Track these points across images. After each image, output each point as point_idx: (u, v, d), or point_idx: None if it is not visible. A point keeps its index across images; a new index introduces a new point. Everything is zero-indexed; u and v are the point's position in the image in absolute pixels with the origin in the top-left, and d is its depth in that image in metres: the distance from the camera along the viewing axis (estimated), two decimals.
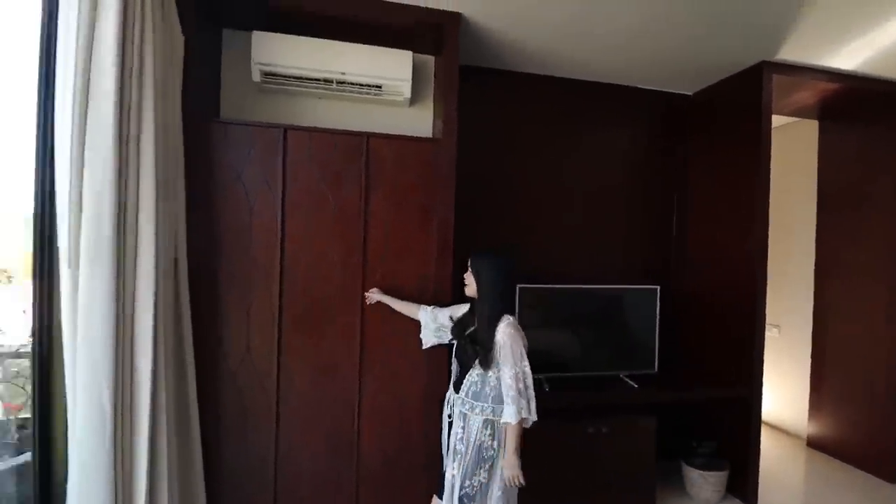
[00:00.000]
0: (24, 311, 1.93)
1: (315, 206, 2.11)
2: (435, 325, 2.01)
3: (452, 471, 1.74)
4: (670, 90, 3.04)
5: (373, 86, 2.33)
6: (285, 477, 2.09)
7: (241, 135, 2.04)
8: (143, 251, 1.62)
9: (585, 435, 2.29)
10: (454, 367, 1.88)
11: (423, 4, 2.13)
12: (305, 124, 2.32)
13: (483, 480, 1.69)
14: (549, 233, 2.85)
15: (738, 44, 2.41)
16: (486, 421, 1.71)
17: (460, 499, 1.69)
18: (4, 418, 1.98)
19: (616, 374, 2.63)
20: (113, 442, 1.53)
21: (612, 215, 2.96)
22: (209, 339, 2.02)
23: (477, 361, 1.74)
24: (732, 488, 2.63)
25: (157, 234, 1.64)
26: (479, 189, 2.65)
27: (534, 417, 1.68)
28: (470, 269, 1.84)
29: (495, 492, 1.71)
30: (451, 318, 1.97)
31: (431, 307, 2.04)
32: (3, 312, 2.05)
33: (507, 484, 1.69)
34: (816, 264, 3.30)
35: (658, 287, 2.63)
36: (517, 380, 1.65)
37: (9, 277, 2.16)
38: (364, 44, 2.28)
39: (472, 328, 1.82)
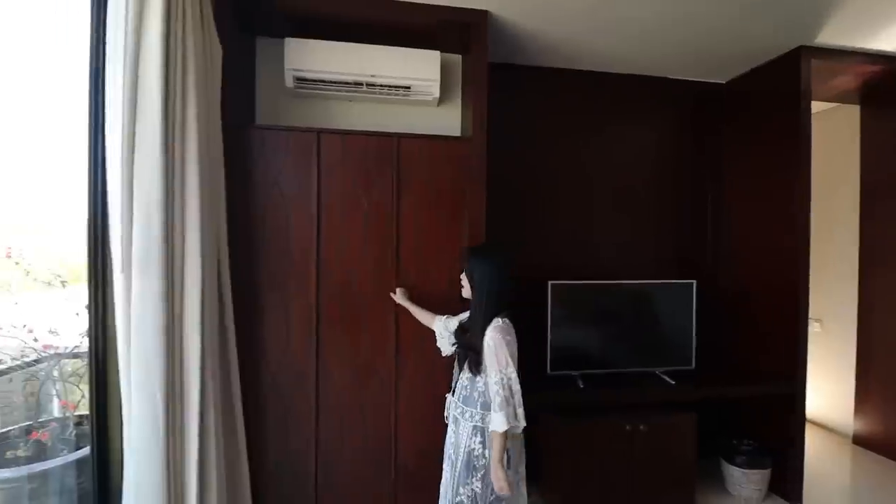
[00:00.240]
0: (77, 314, 2.04)
1: (349, 207, 2.15)
2: (448, 333, 1.95)
3: (445, 475, 1.72)
4: (701, 79, 2.97)
5: (402, 87, 2.35)
6: (325, 474, 2.14)
7: (276, 139, 2.09)
8: (190, 256, 1.69)
9: (623, 432, 2.26)
10: (455, 370, 1.85)
11: (450, 4, 2.14)
12: (337, 127, 2.37)
13: (477, 490, 1.63)
14: (578, 229, 2.82)
15: (775, 29, 2.34)
16: (475, 427, 1.67)
17: None
18: (62, 415, 2.09)
19: (652, 370, 2.59)
20: (166, 439, 1.59)
21: (644, 210, 2.92)
22: (251, 339, 2.08)
23: (466, 365, 1.71)
24: (775, 487, 2.56)
25: (201, 239, 1.70)
26: (508, 186, 2.65)
27: (522, 424, 1.60)
28: (464, 269, 1.78)
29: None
30: (460, 323, 1.91)
31: (445, 316, 1.99)
32: (58, 315, 2.16)
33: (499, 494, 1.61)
34: (861, 255, 3.18)
35: (694, 282, 2.58)
36: (502, 386, 1.57)
37: (62, 282, 2.27)
38: (392, 46, 2.31)
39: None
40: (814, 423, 3.52)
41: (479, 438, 1.65)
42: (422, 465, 2.19)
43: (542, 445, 2.50)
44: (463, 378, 1.73)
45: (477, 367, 1.65)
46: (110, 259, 1.60)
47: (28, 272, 2.19)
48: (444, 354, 2.05)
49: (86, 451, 1.84)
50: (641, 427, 2.27)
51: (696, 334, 2.58)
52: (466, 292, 1.78)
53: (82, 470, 1.84)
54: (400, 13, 2.15)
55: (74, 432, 2.02)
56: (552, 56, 2.63)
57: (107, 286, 1.68)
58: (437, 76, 2.33)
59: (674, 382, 2.46)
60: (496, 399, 1.57)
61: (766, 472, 2.50)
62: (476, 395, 1.69)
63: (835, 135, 3.36)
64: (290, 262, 2.11)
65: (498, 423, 1.55)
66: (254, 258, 2.09)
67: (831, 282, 3.35)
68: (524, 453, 1.78)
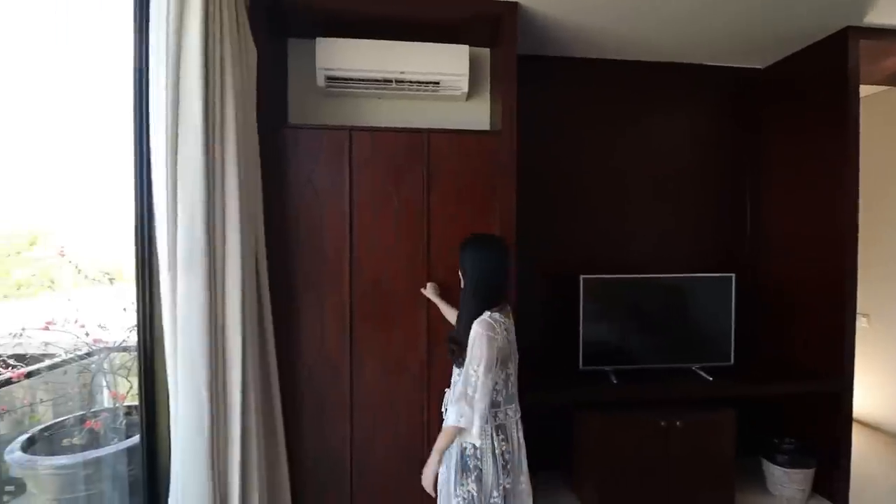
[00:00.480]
0: (124, 310, 2.14)
1: (380, 204, 2.17)
2: None
3: (442, 474, 1.63)
4: (739, 65, 2.86)
5: (431, 82, 2.35)
6: (360, 468, 2.18)
7: (309, 138, 2.13)
8: (231, 256, 1.74)
9: (658, 428, 2.22)
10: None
11: None
12: (368, 124, 2.39)
13: (473, 492, 1.53)
14: (612, 222, 2.77)
15: (819, 9, 2.22)
16: None
17: None
18: (113, 406, 2.20)
19: (688, 366, 2.53)
20: (210, 434, 1.66)
21: (679, 201, 2.84)
22: (288, 336, 2.13)
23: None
24: (819, 487, 2.48)
25: (241, 239, 1.76)
26: (539, 179, 2.62)
27: (471, 435, 1.48)
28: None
29: None
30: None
31: None
32: (106, 311, 2.27)
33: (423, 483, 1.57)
34: None
35: (733, 275, 2.50)
36: (467, 384, 1.49)
37: (110, 279, 2.38)
38: (421, 41, 2.31)
39: None
40: (859, 421, 3.37)
41: (502, 436, 1.59)
42: None
43: (574, 441, 2.48)
44: (455, 374, 1.67)
45: (461, 361, 1.57)
46: (156, 258, 1.67)
47: (79, 270, 2.30)
48: None
49: (135, 439, 1.94)
50: (677, 423, 2.22)
51: (735, 329, 2.50)
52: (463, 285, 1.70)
53: (132, 457, 1.94)
54: (429, 8, 2.15)
55: (124, 422, 2.12)
56: (583, 46, 2.58)
57: (153, 284, 1.75)
58: (466, 70, 2.32)
59: (711, 378, 2.40)
60: (456, 391, 1.52)
61: (810, 472, 2.42)
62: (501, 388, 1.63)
63: (883, 119, 3.19)
64: (324, 260, 2.15)
65: (451, 417, 1.50)
66: (289, 257, 2.13)
67: (880, 275, 3.20)
68: (521, 465, 1.64)
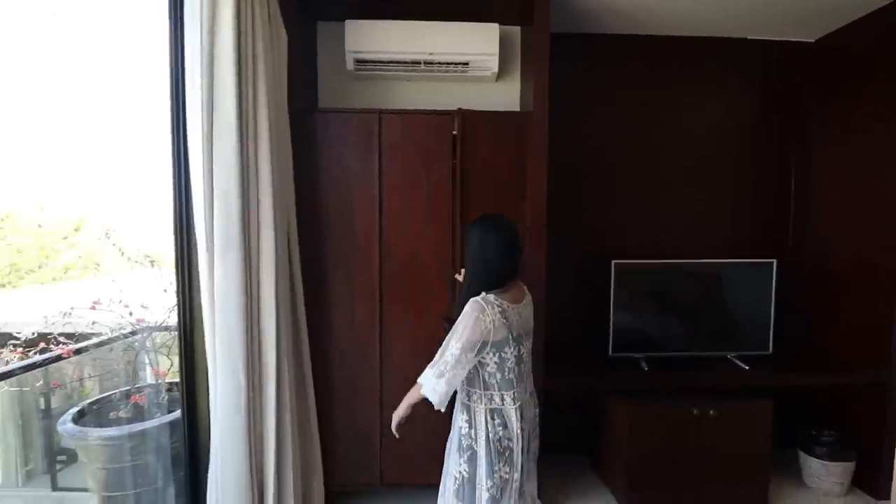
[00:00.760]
0: (164, 291, 2.22)
1: (410, 186, 2.16)
2: None
3: (447, 448, 1.65)
4: (786, 38, 2.69)
5: (460, 63, 2.31)
6: (389, 444, 2.23)
7: (339, 122, 2.13)
8: (265, 238, 1.78)
9: (690, 417, 2.17)
10: None
11: None
12: (397, 107, 2.38)
13: (465, 473, 1.52)
14: (645, 205, 2.69)
15: None
16: (462, 405, 1.57)
17: (454, 491, 1.56)
18: (156, 382, 2.31)
19: (723, 354, 2.46)
20: (247, 409, 1.72)
21: (717, 184, 2.72)
22: (320, 317, 2.17)
23: None
24: (860, 481, 2.39)
25: (274, 223, 1.79)
26: (570, 161, 2.54)
27: (433, 400, 1.47)
28: None
29: (483, 493, 1.50)
30: None
31: None
32: (148, 292, 2.37)
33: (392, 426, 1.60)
34: None
35: (774, 261, 2.40)
36: (443, 353, 1.48)
37: (151, 262, 2.48)
38: (450, 21, 2.26)
39: None
40: None
41: (465, 416, 1.55)
42: None
43: (603, 428, 2.47)
44: None
45: None
46: (194, 241, 1.73)
47: (122, 253, 2.40)
48: None
49: (176, 414, 2.03)
50: (711, 412, 2.17)
51: (774, 317, 2.41)
52: None
53: (174, 431, 2.03)
54: None
55: (166, 397, 2.23)
56: (616, 21, 2.47)
57: (192, 267, 1.80)
58: (496, 50, 2.27)
59: (747, 367, 2.33)
60: (436, 356, 1.50)
61: (850, 466, 2.34)
62: (473, 373, 1.55)
63: None
64: (355, 244, 2.17)
65: (423, 376, 1.51)
66: (320, 241, 2.16)
67: None
68: (517, 458, 1.53)
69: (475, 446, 1.53)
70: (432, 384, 1.47)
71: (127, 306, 2.25)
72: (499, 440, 1.50)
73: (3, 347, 2.18)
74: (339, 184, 2.15)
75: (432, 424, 2.21)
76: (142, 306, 2.34)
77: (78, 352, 2.10)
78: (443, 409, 1.49)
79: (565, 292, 2.57)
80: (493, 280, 1.51)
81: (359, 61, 2.28)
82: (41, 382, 2.27)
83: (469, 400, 1.56)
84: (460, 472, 1.53)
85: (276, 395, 1.82)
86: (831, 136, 2.61)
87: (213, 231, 1.66)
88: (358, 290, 2.18)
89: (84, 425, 2.00)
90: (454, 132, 2.15)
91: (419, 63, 2.31)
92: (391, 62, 2.29)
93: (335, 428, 2.22)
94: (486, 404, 1.52)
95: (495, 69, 2.32)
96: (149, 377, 2.35)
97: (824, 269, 2.61)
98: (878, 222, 2.33)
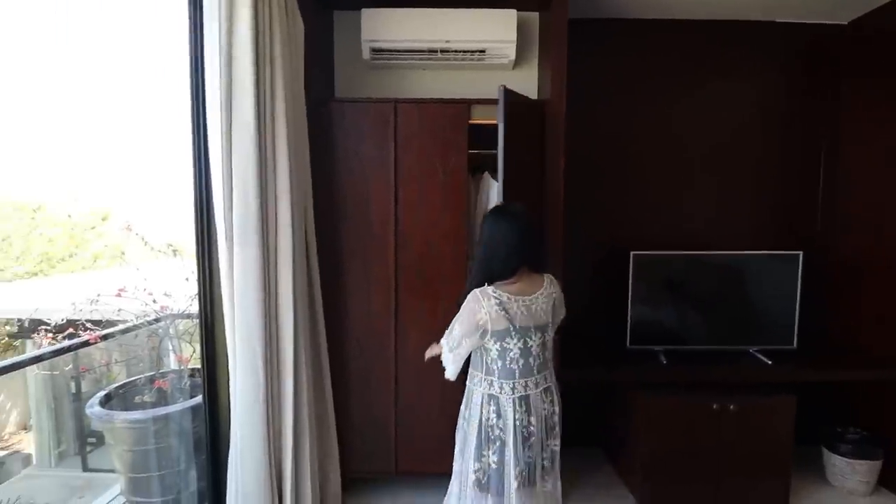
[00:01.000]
0: (186, 279, 2.27)
1: (425, 175, 2.15)
2: None
3: (459, 446, 1.66)
4: (817, 21, 2.57)
5: (476, 51, 2.29)
6: (404, 434, 2.25)
7: (356, 111, 2.14)
8: (282, 228, 1.80)
9: (710, 411, 2.13)
10: None
11: None
12: (413, 96, 2.36)
13: (459, 445, 1.59)
14: (666, 194, 2.62)
15: None
16: (490, 397, 1.53)
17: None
18: (178, 368, 2.38)
19: (745, 348, 2.40)
20: (266, 396, 1.75)
21: (741, 173, 2.64)
22: (336, 306, 2.19)
23: None
24: (886, 480, 2.32)
25: (292, 213, 1.81)
26: (588, 149, 2.49)
27: (445, 368, 1.56)
28: None
29: (470, 476, 1.55)
30: None
31: None
32: (171, 280, 2.43)
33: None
34: None
35: (801, 253, 2.33)
36: (451, 330, 1.54)
37: (174, 251, 2.53)
38: (466, 8, 2.23)
39: None
40: None
41: (493, 407, 1.51)
42: None
43: (619, 420, 2.45)
44: None
45: None
46: (215, 231, 1.76)
47: (145, 242, 2.46)
48: None
49: (198, 399, 2.08)
50: (731, 407, 2.13)
51: (800, 311, 2.34)
52: None
53: (196, 416, 2.09)
54: None
55: (188, 383, 2.29)
56: (637, 4, 2.40)
57: (212, 255, 1.84)
58: (513, 37, 2.23)
59: (770, 362, 2.28)
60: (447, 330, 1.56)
61: (876, 464, 2.27)
62: (478, 356, 1.56)
63: None
64: (371, 234, 2.18)
65: (443, 340, 1.58)
66: (337, 229, 2.18)
67: None
68: (507, 449, 1.50)
69: (466, 428, 1.57)
70: (447, 355, 1.56)
71: (151, 294, 2.31)
72: (490, 427, 1.50)
73: (35, 333, 2.26)
74: (355, 174, 2.16)
75: (446, 415, 2.24)
76: (165, 294, 2.40)
77: (105, 338, 2.17)
78: (453, 380, 1.58)
79: (583, 283, 2.54)
80: (495, 271, 1.50)
81: (375, 50, 2.28)
82: (70, 367, 2.35)
83: (471, 382, 1.58)
84: (488, 464, 1.52)
85: (293, 385, 1.85)
86: (864, 123, 2.50)
87: (233, 223, 1.69)
88: (374, 279, 2.20)
89: (111, 409, 2.07)
90: (468, 121, 2.12)
91: (435, 51, 2.29)
92: (407, 51, 2.28)
93: (351, 417, 2.25)
94: (484, 389, 1.53)
95: (512, 56, 2.29)
96: (172, 363, 2.42)
97: (853, 262, 2.52)
98: None
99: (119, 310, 2.28)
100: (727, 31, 2.56)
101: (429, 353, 1.74)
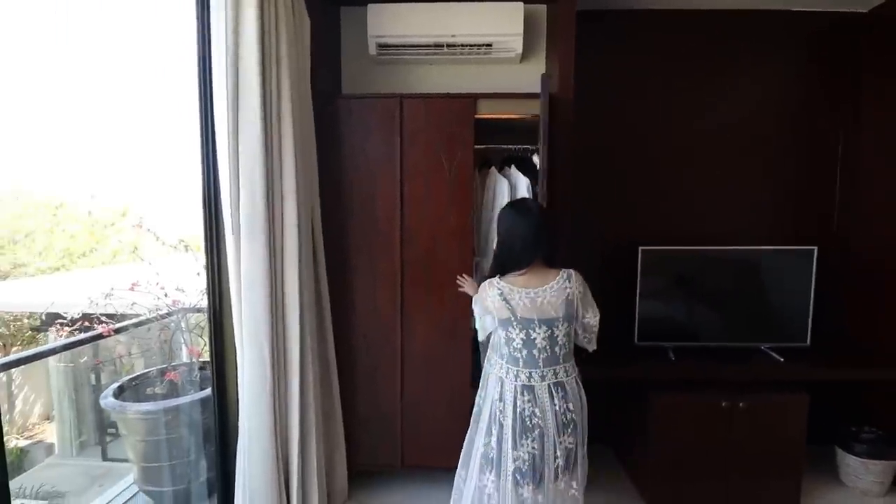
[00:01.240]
0: (198, 274, 2.31)
1: (431, 170, 2.15)
2: None
3: (487, 437, 1.64)
4: (835, 9, 2.50)
5: (483, 45, 2.27)
6: (410, 426, 2.26)
7: (362, 107, 2.14)
8: (288, 224, 1.82)
9: (719, 409, 2.10)
10: None
11: None
12: (419, 91, 2.36)
13: (535, 451, 1.53)
14: (675, 188, 2.58)
15: None
16: (522, 388, 1.55)
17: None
18: (190, 361, 2.42)
19: (756, 345, 2.36)
20: (273, 388, 1.78)
21: (756, 167, 2.58)
22: (343, 301, 2.21)
23: None
24: None
25: (297, 208, 1.83)
26: (596, 143, 2.47)
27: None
28: None
29: (479, 450, 1.64)
30: None
31: None
32: (183, 275, 2.47)
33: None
34: None
35: (815, 248, 2.27)
36: (475, 301, 1.70)
37: (186, 246, 2.58)
38: (472, 1, 2.22)
39: None
40: None
41: (500, 389, 1.57)
42: None
43: (628, 419, 2.42)
44: None
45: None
46: (223, 227, 1.79)
47: (157, 237, 2.51)
48: None
49: (209, 391, 2.13)
50: (741, 405, 2.09)
51: (814, 307, 2.29)
52: None
53: (206, 407, 2.13)
54: None
55: (199, 375, 2.33)
56: None
57: (221, 250, 1.87)
58: (520, 30, 2.21)
59: (782, 360, 2.23)
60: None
61: (891, 465, 2.21)
62: (495, 338, 1.63)
63: None
64: (377, 230, 2.18)
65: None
66: (344, 225, 2.19)
67: None
68: (503, 432, 1.56)
69: (482, 404, 1.66)
70: (476, 321, 1.72)
71: (163, 288, 2.36)
72: (500, 410, 1.57)
73: (51, 326, 2.33)
74: (361, 170, 2.17)
75: (452, 407, 2.24)
76: (177, 289, 2.45)
77: (118, 331, 2.22)
78: (482, 340, 1.73)
79: (590, 278, 2.50)
80: (508, 263, 1.58)
81: (381, 45, 2.28)
82: (85, 359, 2.41)
83: (488, 363, 1.67)
84: (529, 453, 1.54)
85: (299, 379, 1.88)
86: (884, 113, 2.42)
87: (240, 220, 1.72)
88: (380, 275, 2.21)
89: (124, 400, 2.12)
90: (474, 116, 2.11)
91: (441, 46, 2.28)
92: (413, 46, 2.28)
93: (357, 411, 2.27)
94: (496, 371, 1.61)
95: (519, 50, 2.27)
96: (184, 356, 2.47)
97: (871, 258, 2.45)
98: None
99: (133, 304, 2.33)
100: (741, 20, 2.50)
101: (464, 285, 1.93)
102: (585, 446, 1.62)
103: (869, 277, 2.46)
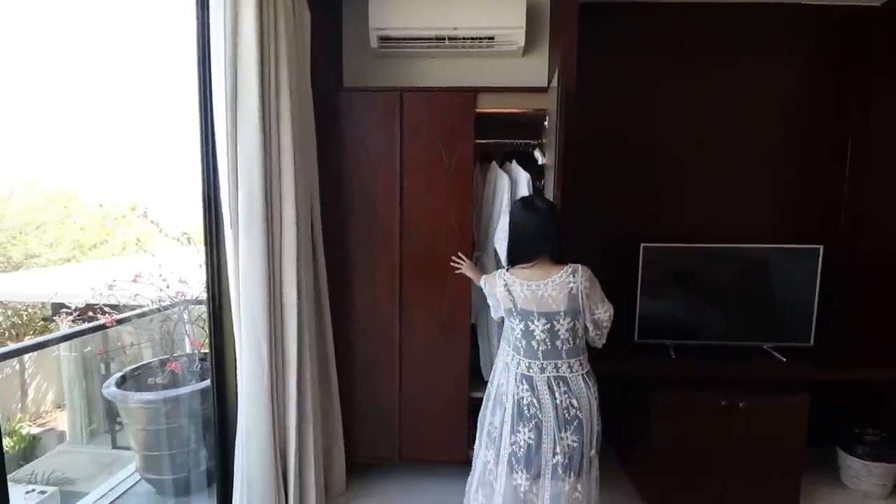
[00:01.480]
0: (200, 266, 2.33)
1: (431, 164, 2.14)
2: None
3: (522, 435, 1.66)
4: (847, 2, 2.43)
5: (485, 38, 2.26)
6: (408, 420, 2.27)
7: (362, 100, 2.13)
8: (287, 220, 1.83)
9: (718, 408, 2.08)
10: None
11: None
12: (420, 85, 2.35)
13: (574, 444, 1.54)
14: (680, 185, 2.54)
15: None
16: (555, 379, 1.57)
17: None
18: (191, 352, 2.45)
19: (758, 344, 2.33)
20: (270, 379, 1.79)
21: (762, 164, 2.53)
22: (342, 294, 2.22)
23: None
24: None
25: (296, 201, 1.83)
26: (597, 138, 2.42)
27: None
28: None
29: (485, 428, 1.71)
30: None
31: None
32: (186, 267, 2.50)
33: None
34: None
35: (821, 247, 2.23)
36: (484, 282, 1.76)
37: (188, 238, 2.60)
38: None
39: None
40: None
41: (525, 386, 1.56)
42: None
43: (626, 417, 2.41)
44: None
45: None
46: (223, 223, 1.80)
47: (160, 229, 2.53)
48: None
49: (207, 382, 2.15)
50: (740, 404, 2.07)
51: (819, 307, 2.25)
52: None
53: (206, 398, 2.16)
54: None
55: (200, 366, 2.36)
56: None
57: (220, 247, 1.88)
58: (523, 23, 2.19)
59: (784, 359, 2.20)
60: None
61: (893, 467, 2.18)
62: (506, 330, 1.68)
63: None
64: (377, 224, 2.18)
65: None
66: (344, 220, 2.19)
67: None
68: (504, 415, 1.61)
69: (492, 385, 1.71)
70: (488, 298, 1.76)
71: (165, 280, 2.39)
72: (504, 393, 1.62)
73: (56, 316, 2.37)
74: (361, 164, 2.16)
75: (450, 401, 2.25)
76: (180, 281, 2.48)
77: (121, 321, 2.25)
78: (495, 318, 1.77)
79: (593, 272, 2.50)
80: (516, 257, 1.64)
81: (382, 39, 2.27)
82: (89, 348, 2.45)
83: (501, 348, 1.72)
84: (568, 446, 1.56)
85: (297, 371, 1.89)
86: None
87: (238, 218, 1.73)
88: (379, 270, 2.21)
89: (126, 390, 2.16)
90: (474, 110, 2.10)
91: (443, 39, 2.27)
92: (415, 39, 2.26)
93: (356, 405, 2.28)
94: (503, 356, 1.68)
95: (521, 43, 2.25)
96: (187, 347, 2.50)
97: (879, 258, 2.40)
98: None
99: (135, 295, 2.36)
100: (748, 13, 2.45)
101: (461, 266, 1.99)
102: (596, 449, 1.60)
103: (874, 278, 2.41)
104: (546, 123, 2.17)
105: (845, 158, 2.52)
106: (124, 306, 2.42)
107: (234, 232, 1.74)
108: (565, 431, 1.53)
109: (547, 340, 1.55)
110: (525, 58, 2.40)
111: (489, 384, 1.73)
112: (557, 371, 1.56)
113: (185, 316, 2.50)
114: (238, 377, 1.84)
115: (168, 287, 2.40)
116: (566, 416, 1.53)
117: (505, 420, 1.60)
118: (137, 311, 2.38)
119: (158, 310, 2.39)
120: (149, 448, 2.12)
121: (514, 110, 2.16)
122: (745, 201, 2.55)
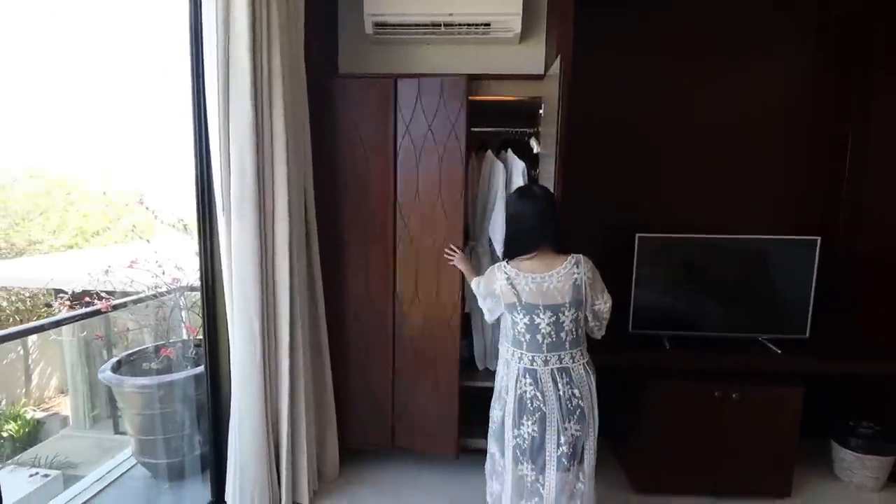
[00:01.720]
0: (195, 253, 2.34)
1: (426, 152, 2.12)
2: None
3: (531, 428, 1.65)
4: None
5: (481, 24, 2.23)
6: (400, 410, 2.28)
7: (357, 87, 2.12)
8: (279, 204, 1.83)
9: (711, 399, 2.08)
10: None
11: None
12: (416, 71, 2.33)
13: (577, 433, 1.54)
14: (677, 176, 2.52)
15: None
16: (562, 370, 1.56)
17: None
18: (186, 338, 2.47)
19: (754, 336, 2.32)
20: (262, 361, 1.81)
21: (761, 156, 2.50)
22: (335, 280, 2.22)
23: None
24: None
25: (288, 185, 1.83)
26: (594, 127, 2.38)
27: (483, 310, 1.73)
28: None
29: (491, 423, 1.70)
30: None
31: None
32: (182, 254, 2.50)
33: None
34: None
35: (818, 238, 2.21)
36: (478, 283, 1.75)
37: (185, 226, 2.61)
38: None
39: None
40: None
41: (528, 380, 1.54)
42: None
43: (619, 406, 2.41)
44: None
45: None
46: (216, 208, 1.80)
47: (156, 216, 2.54)
48: None
49: (201, 368, 2.17)
50: (734, 395, 2.07)
51: (815, 299, 2.23)
52: None
53: (200, 383, 2.17)
54: None
55: (194, 352, 2.38)
56: None
57: (213, 229, 1.88)
58: (519, 9, 2.16)
59: (779, 351, 2.19)
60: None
61: (887, 460, 2.17)
62: (503, 320, 1.66)
63: None
64: (370, 209, 2.17)
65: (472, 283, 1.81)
66: (338, 207, 2.18)
67: None
68: (506, 406, 1.60)
69: (496, 380, 1.69)
70: (480, 301, 1.73)
71: (160, 266, 2.40)
72: (504, 388, 1.61)
73: (54, 301, 2.39)
74: (355, 151, 2.15)
75: (442, 390, 2.25)
76: (177, 267, 2.49)
77: (116, 307, 2.27)
78: (490, 322, 1.74)
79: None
80: (516, 248, 1.61)
81: (378, 24, 2.24)
82: (85, 333, 2.47)
83: (500, 344, 1.69)
84: (572, 435, 1.55)
85: (289, 356, 1.90)
86: None
87: (230, 201, 1.73)
88: (372, 257, 2.21)
89: (121, 374, 2.17)
90: (468, 97, 2.08)
91: (439, 25, 2.24)
92: (410, 25, 2.24)
93: (350, 391, 2.29)
94: (505, 353, 1.64)
95: (518, 29, 2.22)
96: (183, 333, 2.52)
97: (876, 251, 2.37)
98: None
99: (132, 281, 2.37)
100: (749, 4, 2.40)
101: (454, 258, 2.01)
102: (594, 438, 1.60)
103: (871, 272, 2.38)
104: (542, 112, 2.15)
105: (845, 155, 2.47)
106: (121, 293, 2.43)
107: (227, 216, 1.75)
108: (569, 422, 1.53)
109: (552, 333, 1.53)
110: (521, 45, 2.37)
111: (496, 379, 1.71)
112: (560, 362, 1.55)
113: (182, 302, 2.51)
114: (231, 361, 1.86)
115: (164, 273, 2.41)
116: (569, 406, 1.53)
117: (506, 414, 1.59)
118: (133, 296, 2.39)
119: (154, 296, 2.40)
120: (144, 432, 2.14)
121: (510, 98, 2.14)
122: (743, 194, 2.52)
